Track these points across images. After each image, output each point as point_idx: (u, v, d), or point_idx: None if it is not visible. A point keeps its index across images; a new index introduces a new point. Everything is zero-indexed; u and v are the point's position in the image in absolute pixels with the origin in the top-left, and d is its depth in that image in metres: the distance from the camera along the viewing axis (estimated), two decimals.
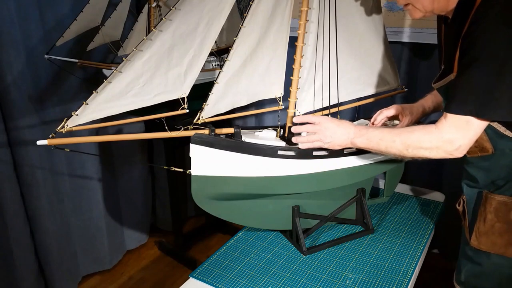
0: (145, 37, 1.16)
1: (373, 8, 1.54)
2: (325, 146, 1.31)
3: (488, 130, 1.09)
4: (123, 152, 2.62)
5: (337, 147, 1.31)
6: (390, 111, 1.50)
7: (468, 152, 1.18)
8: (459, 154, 1.09)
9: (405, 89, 1.80)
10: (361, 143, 1.24)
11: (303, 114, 1.51)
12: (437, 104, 1.53)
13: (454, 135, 1.05)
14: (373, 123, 1.54)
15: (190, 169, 1.26)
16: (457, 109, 1.03)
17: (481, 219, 1.16)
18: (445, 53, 1.22)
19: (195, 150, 1.22)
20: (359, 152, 1.44)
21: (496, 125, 1.08)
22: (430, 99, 1.54)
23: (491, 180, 1.16)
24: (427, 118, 1.64)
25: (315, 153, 1.37)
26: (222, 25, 1.27)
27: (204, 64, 1.31)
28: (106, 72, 2.14)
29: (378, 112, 1.51)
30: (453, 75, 1.10)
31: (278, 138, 1.45)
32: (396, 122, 1.66)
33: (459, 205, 1.29)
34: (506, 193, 1.12)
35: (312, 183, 1.43)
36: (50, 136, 1.15)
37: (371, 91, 1.68)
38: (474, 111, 1.01)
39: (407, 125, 1.50)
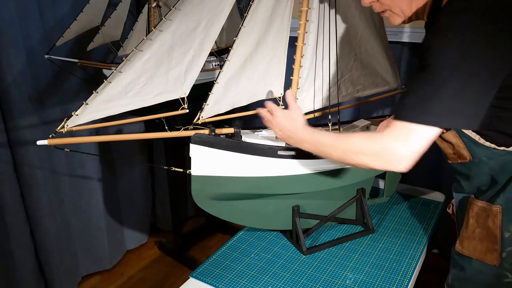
0: (145, 37, 1.16)
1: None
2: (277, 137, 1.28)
3: (464, 138, 1.08)
4: (123, 152, 2.62)
5: (287, 143, 1.28)
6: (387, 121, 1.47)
7: (449, 159, 1.18)
8: (402, 166, 0.98)
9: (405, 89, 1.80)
10: (306, 148, 1.18)
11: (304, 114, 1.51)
12: None
13: (395, 144, 0.97)
14: None
15: (190, 169, 1.26)
16: (402, 116, 0.97)
17: (465, 224, 1.16)
18: None
19: (195, 150, 1.23)
20: None
21: (470, 133, 1.07)
22: None
23: (475, 186, 1.15)
24: None
25: None
26: (222, 25, 1.27)
27: (204, 64, 1.31)
28: (106, 72, 2.14)
29: (381, 124, 1.47)
30: None
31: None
32: None
33: (449, 209, 1.29)
34: (487, 199, 1.11)
35: (312, 183, 1.43)
36: (50, 136, 1.15)
37: (371, 91, 1.68)
38: (419, 118, 0.95)
39: None
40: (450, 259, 1.28)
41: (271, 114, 1.27)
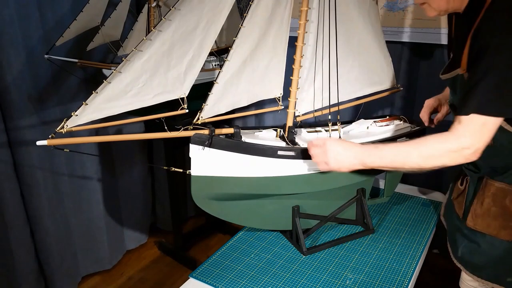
0: (144, 37, 1.16)
1: (371, 8, 1.54)
2: (331, 167, 1.24)
3: None
4: (123, 152, 2.62)
5: (345, 169, 1.25)
6: (431, 104, 1.54)
7: None
8: (475, 157, 1.09)
9: (401, 88, 1.80)
10: (373, 163, 1.20)
11: (302, 115, 1.51)
12: None
13: (471, 140, 1.06)
14: (431, 120, 1.56)
15: (190, 169, 1.25)
16: (473, 110, 1.04)
17: (479, 203, 1.23)
18: (456, 44, 1.24)
19: (195, 150, 1.22)
20: None
21: None
22: None
23: (492, 167, 1.21)
24: None
25: None
26: (221, 25, 1.27)
27: (204, 64, 1.31)
28: (106, 72, 2.14)
29: (423, 111, 1.54)
30: (460, 70, 1.13)
31: (278, 138, 1.45)
32: (396, 122, 1.66)
33: (461, 185, 1.33)
34: (505, 180, 1.18)
35: (312, 183, 1.43)
36: (50, 136, 1.15)
37: (369, 90, 1.68)
38: (489, 110, 1.02)
39: (447, 113, 1.54)
40: (450, 258, 1.30)
41: (319, 146, 1.25)
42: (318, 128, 1.55)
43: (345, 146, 1.24)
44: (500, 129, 1.11)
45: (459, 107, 1.09)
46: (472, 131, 1.06)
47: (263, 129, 1.48)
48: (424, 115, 1.54)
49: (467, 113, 1.05)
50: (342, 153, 1.22)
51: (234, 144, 1.27)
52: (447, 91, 1.56)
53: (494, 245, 1.21)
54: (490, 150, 1.16)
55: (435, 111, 1.56)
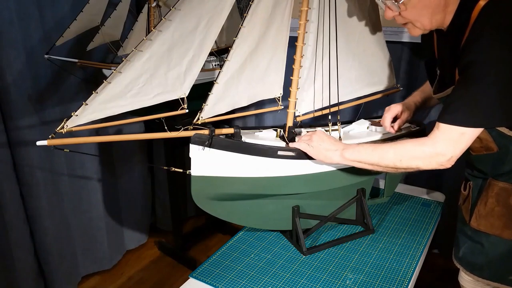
0: (144, 37, 1.16)
1: (370, 8, 1.54)
2: (310, 151, 1.31)
3: (493, 133, 1.14)
4: (123, 152, 2.62)
5: (322, 157, 1.31)
6: (394, 110, 1.55)
7: (473, 151, 1.24)
8: (449, 165, 1.13)
9: (401, 88, 1.81)
10: (351, 156, 1.26)
11: (302, 115, 1.51)
12: (425, 99, 1.60)
13: (447, 147, 1.09)
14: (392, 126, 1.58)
15: (190, 169, 1.25)
16: (452, 120, 1.07)
17: (482, 203, 1.24)
18: (441, 63, 1.27)
19: (195, 151, 1.22)
20: None
21: (501, 127, 1.13)
22: (418, 95, 1.61)
23: (495, 170, 1.22)
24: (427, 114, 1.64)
25: None
26: (221, 25, 1.27)
27: (204, 64, 1.31)
28: (106, 72, 2.14)
29: (384, 116, 1.55)
30: None
31: (278, 138, 1.45)
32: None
33: (464, 190, 1.34)
34: (509, 180, 1.20)
35: (312, 183, 1.43)
36: (50, 136, 1.15)
37: (369, 90, 1.68)
38: (468, 122, 1.06)
39: (406, 120, 1.58)
40: (450, 258, 1.30)
41: (309, 134, 1.35)
42: (318, 128, 1.55)
43: (330, 137, 1.33)
44: (503, 136, 1.13)
45: (440, 114, 1.11)
46: (449, 139, 1.09)
47: (263, 129, 1.48)
48: (384, 121, 1.56)
49: (447, 122, 1.08)
50: (325, 140, 1.31)
51: (234, 144, 1.27)
52: (410, 98, 1.61)
53: (498, 244, 1.22)
54: (496, 156, 1.19)
55: (398, 117, 1.58)
